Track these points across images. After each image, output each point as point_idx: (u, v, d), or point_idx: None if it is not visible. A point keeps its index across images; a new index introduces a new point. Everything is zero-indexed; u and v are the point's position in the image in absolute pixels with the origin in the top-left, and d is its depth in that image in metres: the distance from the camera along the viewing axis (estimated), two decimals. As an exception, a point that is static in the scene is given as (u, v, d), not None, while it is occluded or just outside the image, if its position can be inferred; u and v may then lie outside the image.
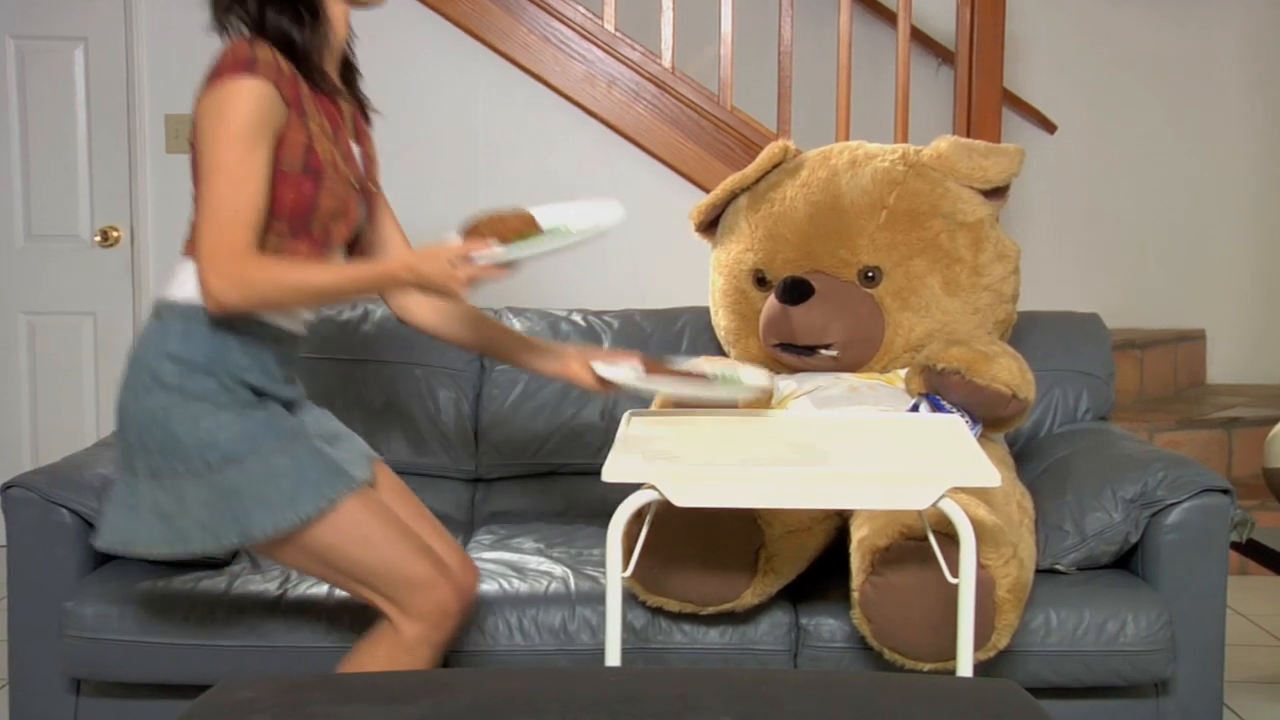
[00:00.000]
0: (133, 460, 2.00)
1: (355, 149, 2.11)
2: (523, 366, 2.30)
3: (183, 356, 1.98)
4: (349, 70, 2.16)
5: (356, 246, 2.19)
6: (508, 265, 1.89)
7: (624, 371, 2.07)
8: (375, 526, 2.04)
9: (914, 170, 2.74)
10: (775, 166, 2.84)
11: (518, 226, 1.93)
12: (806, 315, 2.68)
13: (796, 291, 2.68)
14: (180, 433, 1.95)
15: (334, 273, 1.95)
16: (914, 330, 2.71)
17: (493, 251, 1.88)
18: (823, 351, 2.69)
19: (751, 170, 2.85)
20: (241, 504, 1.96)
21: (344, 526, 2.01)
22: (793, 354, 2.72)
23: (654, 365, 2.15)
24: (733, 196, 2.88)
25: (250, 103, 1.90)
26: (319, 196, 1.99)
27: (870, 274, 2.72)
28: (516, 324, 3.03)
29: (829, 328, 2.68)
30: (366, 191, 2.13)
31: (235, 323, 1.99)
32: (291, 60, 1.97)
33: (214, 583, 2.41)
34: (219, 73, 1.92)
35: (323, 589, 2.37)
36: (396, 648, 2.06)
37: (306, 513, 1.98)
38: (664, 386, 2.12)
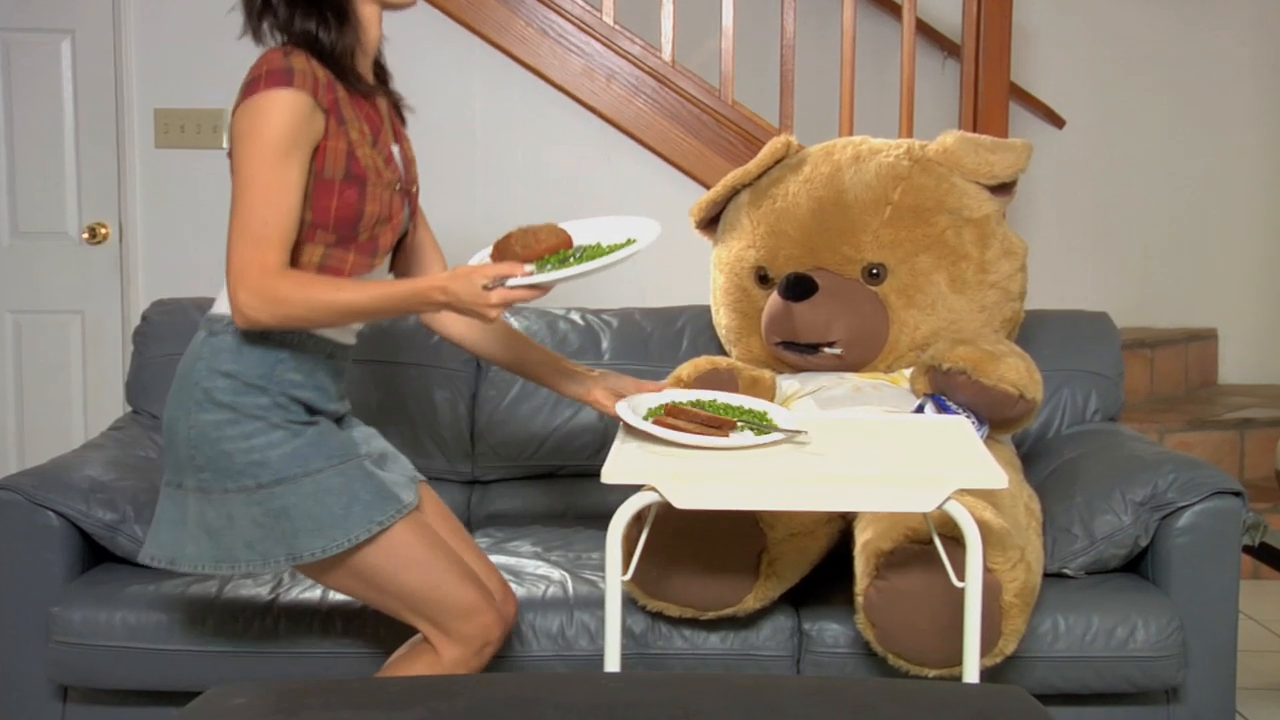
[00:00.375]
0: (181, 476, 2.02)
1: (395, 150, 2.12)
2: (550, 387, 2.34)
3: (235, 373, 2.00)
4: (381, 71, 2.17)
5: (398, 252, 2.20)
6: (540, 288, 1.90)
7: (645, 423, 2.01)
8: (422, 550, 2.06)
9: (919, 165, 2.75)
10: (778, 162, 2.85)
11: (551, 243, 1.93)
12: (810, 312, 2.68)
13: (800, 288, 2.68)
14: (231, 450, 1.97)
15: (366, 291, 1.95)
16: (919, 328, 2.71)
17: (525, 276, 1.89)
18: (826, 350, 2.70)
19: (753, 166, 2.85)
20: (291, 524, 1.98)
21: (392, 550, 2.04)
22: (795, 352, 2.73)
23: (677, 411, 2.03)
24: (734, 193, 2.89)
25: (284, 115, 1.91)
26: (363, 203, 2.00)
27: (874, 271, 2.72)
28: (515, 323, 3.03)
29: (832, 325, 2.69)
30: (409, 194, 2.15)
31: (288, 338, 2.01)
32: (325, 65, 1.98)
33: (205, 587, 2.42)
34: (254, 85, 1.94)
35: (316, 592, 2.38)
36: (435, 669, 2.08)
37: (356, 535, 2.00)
38: (683, 439, 1.97)
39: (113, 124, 3.77)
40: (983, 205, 2.74)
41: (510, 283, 1.88)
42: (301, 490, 1.98)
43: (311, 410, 2.05)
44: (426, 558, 2.06)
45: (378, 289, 1.95)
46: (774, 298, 2.75)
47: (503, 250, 1.94)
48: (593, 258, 1.91)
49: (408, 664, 2.11)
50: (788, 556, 2.33)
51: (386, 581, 2.05)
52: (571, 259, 1.92)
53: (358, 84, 2.03)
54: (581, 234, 2.00)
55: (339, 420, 2.15)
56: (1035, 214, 4.65)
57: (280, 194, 1.91)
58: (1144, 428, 3.98)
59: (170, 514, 2.04)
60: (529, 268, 1.90)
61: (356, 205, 2.00)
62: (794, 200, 2.78)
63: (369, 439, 2.19)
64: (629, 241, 1.94)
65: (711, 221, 2.96)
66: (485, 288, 1.87)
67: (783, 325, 2.72)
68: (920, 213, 2.72)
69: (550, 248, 1.92)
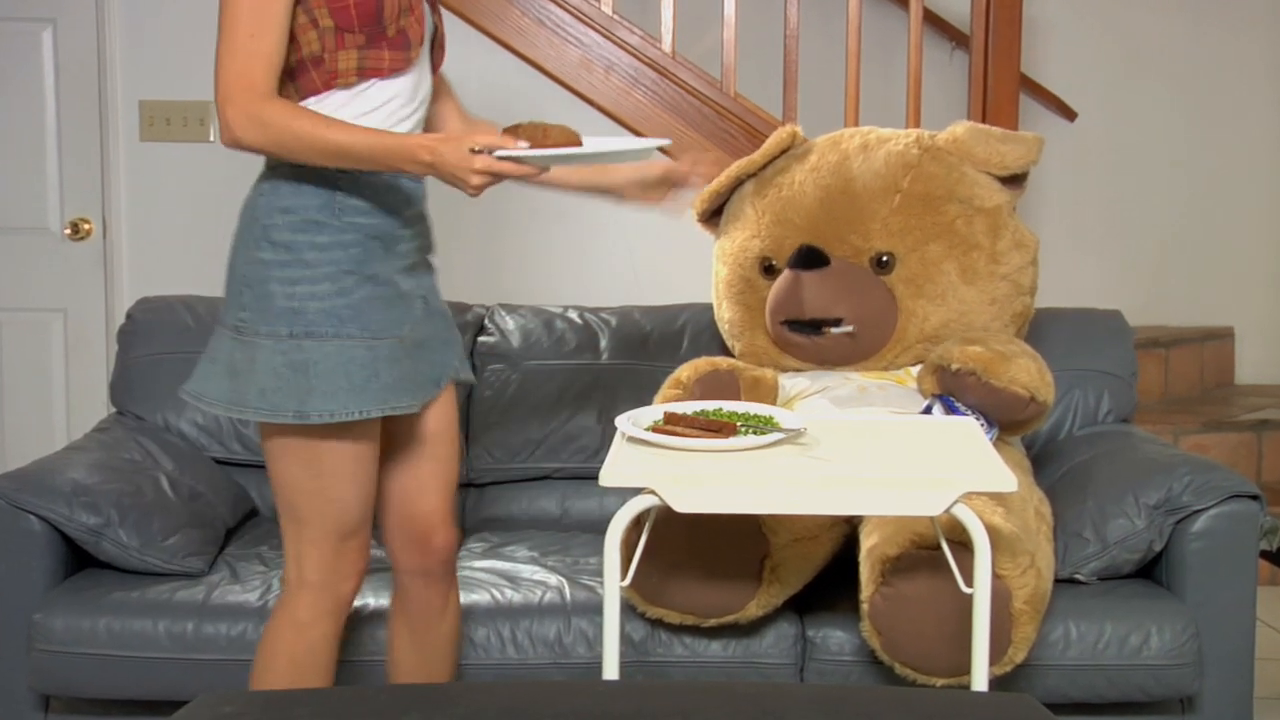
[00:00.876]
0: (227, 313, 2.01)
1: None
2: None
3: (294, 208, 1.97)
4: None
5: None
6: (531, 166, 1.87)
7: (644, 432, 1.96)
8: (365, 475, 2.04)
9: (929, 154, 2.76)
10: (783, 152, 2.86)
11: (558, 140, 1.90)
12: (819, 287, 2.69)
13: (811, 256, 2.69)
14: (275, 292, 1.96)
15: (353, 134, 1.91)
16: (929, 319, 2.72)
17: (517, 147, 1.86)
18: (833, 330, 2.70)
19: (758, 156, 2.86)
20: (308, 381, 1.95)
21: (354, 451, 2.01)
22: (801, 332, 2.73)
23: (676, 419, 2.00)
24: (738, 183, 2.89)
25: None
26: None
27: (884, 259, 2.73)
28: (510, 322, 3.04)
29: (840, 303, 2.69)
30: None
31: (344, 176, 1.97)
32: None
33: (191, 593, 2.42)
34: None
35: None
36: (292, 629, 2.05)
37: (368, 410, 1.97)
38: (683, 442, 1.94)
39: (96, 116, 3.77)
40: (994, 196, 2.75)
41: (499, 153, 1.85)
42: (326, 350, 1.95)
43: (374, 257, 2.00)
44: (366, 483, 2.04)
45: (366, 134, 1.92)
46: (782, 277, 2.75)
47: (509, 133, 1.91)
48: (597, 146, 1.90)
49: (272, 633, 2.07)
50: (791, 562, 2.33)
51: (322, 479, 2.01)
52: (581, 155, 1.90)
53: None
54: (592, 143, 1.97)
55: (411, 268, 2.07)
56: (1046, 208, 4.65)
57: (267, 8, 1.90)
58: (1158, 429, 3.98)
59: (211, 352, 2.03)
60: (523, 144, 1.87)
61: None
62: (800, 189, 2.79)
63: (416, 323, 2.07)
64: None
65: (714, 214, 2.96)
66: (472, 151, 1.85)
67: (789, 299, 2.72)
68: (930, 201, 2.73)
69: (555, 143, 1.90)
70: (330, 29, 1.94)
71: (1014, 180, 2.78)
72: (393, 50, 1.98)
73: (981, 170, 2.75)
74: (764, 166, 2.87)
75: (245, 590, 2.42)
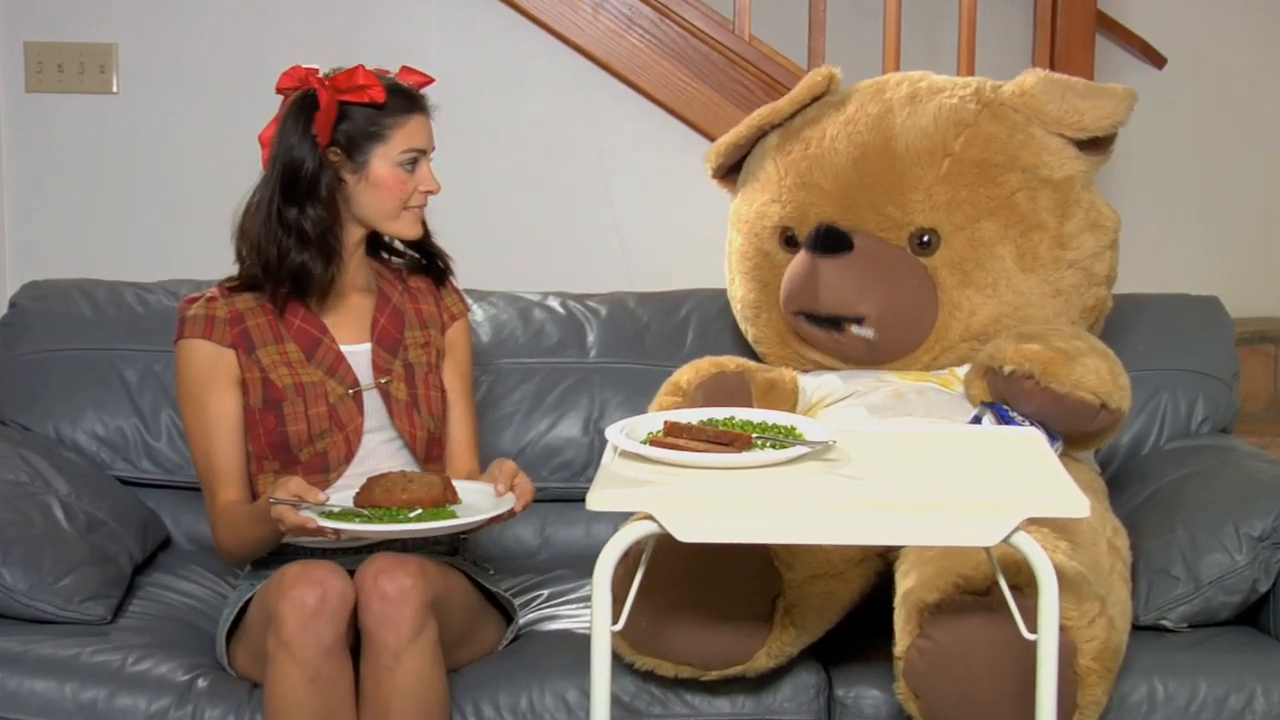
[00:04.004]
0: None
1: (360, 348, 2.54)
2: None
3: None
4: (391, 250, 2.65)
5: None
6: (332, 530, 2.23)
7: (640, 446, 1.99)
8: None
9: (989, 110, 2.76)
10: (816, 99, 2.86)
11: (412, 497, 2.28)
12: (838, 274, 2.69)
13: (831, 239, 2.69)
14: None
15: (246, 517, 2.43)
16: (976, 314, 2.72)
17: (311, 513, 2.23)
18: (853, 329, 2.70)
19: (785, 103, 2.86)
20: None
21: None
22: (816, 326, 2.73)
23: (679, 429, 2.03)
24: (761, 134, 2.89)
25: (185, 366, 2.51)
26: (284, 425, 2.47)
27: (924, 239, 2.73)
28: (478, 311, 3.03)
29: (863, 296, 2.69)
30: (385, 391, 2.53)
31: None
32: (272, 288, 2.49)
33: (105, 660, 2.41)
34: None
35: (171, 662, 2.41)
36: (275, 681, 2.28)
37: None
38: (686, 458, 1.96)
39: (-26, 63, 3.77)
40: (1066, 164, 2.75)
41: (304, 510, 2.24)
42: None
43: None
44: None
45: (254, 510, 2.40)
46: (798, 258, 2.75)
47: (368, 488, 2.31)
48: (421, 521, 2.25)
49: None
50: (809, 602, 2.33)
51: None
52: (403, 518, 2.25)
53: (289, 299, 2.51)
54: (474, 495, 2.35)
55: None
56: (1128, 175, 4.65)
57: (205, 435, 2.49)
58: (1264, 442, 3.97)
59: None
60: (332, 506, 2.27)
61: (277, 429, 2.46)
62: (832, 145, 2.79)
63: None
64: (451, 514, 2.28)
65: (732, 169, 2.96)
66: (271, 501, 2.25)
67: (804, 289, 2.72)
68: (986, 169, 2.73)
69: (405, 501, 2.27)
70: (253, 455, 2.50)
71: (1093, 145, 2.78)
72: (309, 474, 2.43)
73: (1053, 132, 2.75)
74: (792, 116, 2.87)
75: (113, 650, 2.41)
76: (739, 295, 2.93)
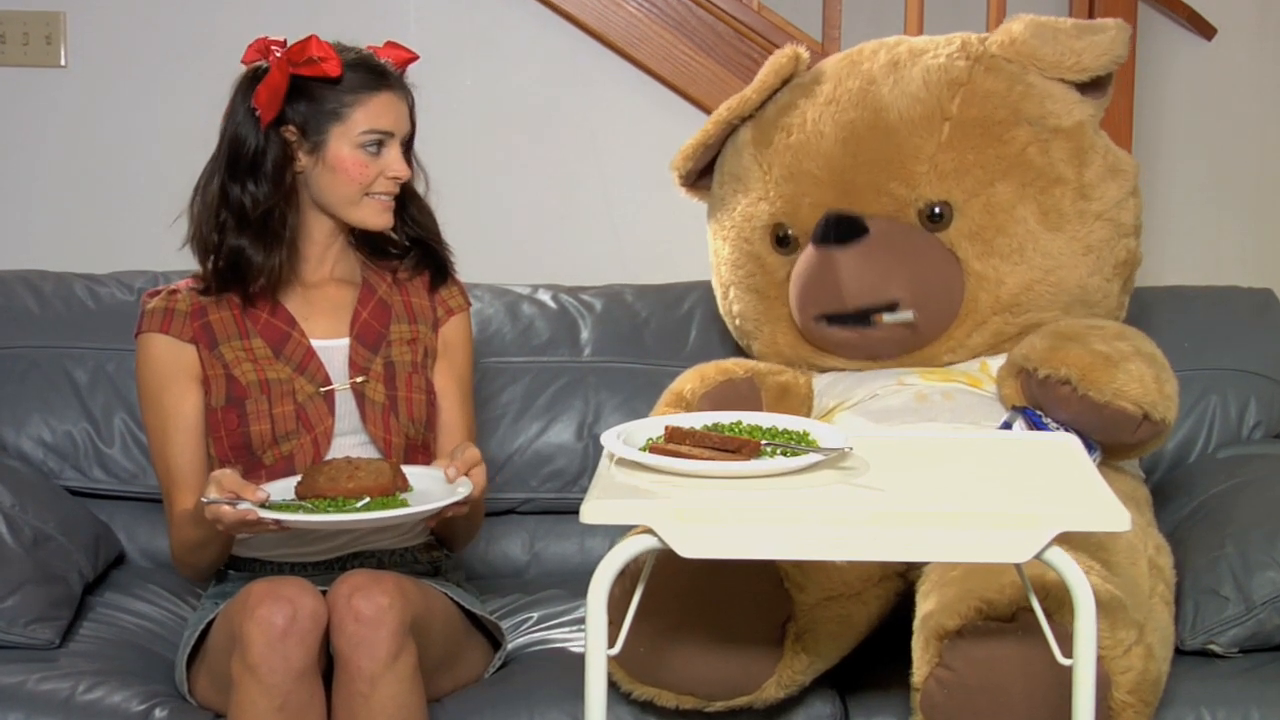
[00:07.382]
0: None
1: (337, 343, 2.54)
2: None
3: None
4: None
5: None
6: (273, 522, 2.23)
7: (639, 454, 1.99)
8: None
9: (981, 64, 2.76)
10: (785, 83, 2.85)
11: (360, 485, 2.27)
12: (858, 262, 2.69)
13: (844, 226, 2.69)
14: None
15: (188, 518, 2.43)
16: (1005, 282, 2.72)
17: (263, 496, 2.24)
18: (887, 316, 2.70)
19: (752, 91, 2.85)
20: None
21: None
22: (842, 326, 2.73)
23: (681, 435, 2.03)
24: (729, 130, 2.89)
25: (143, 363, 2.53)
26: (246, 425, 2.47)
27: (937, 211, 2.73)
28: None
29: (891, 279, 2.69)
30: (360, 390, 2.52)
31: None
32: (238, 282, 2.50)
33: (50, 685, 2.41)
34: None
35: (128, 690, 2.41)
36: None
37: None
38: (689, 466, 1.95)
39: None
40: (1073, 109, 2.75)
41: (241, 504, 2.23)
42: None
43: None
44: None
45: (193, 509, 2.39)
46: (806, 255, 2.75)
47: (310, 476, 2.30)
48: (370, 511, 2.24)
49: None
50: (823, 627, 2.34)
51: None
52: (351, 508, 2.24)
53: (263, 295, 2.51)
54: (426, 482, 2.34)
55: None
56: (1174, 157, 4.65)
57: (164, 436, 2.51)
58: (1323, 450, 3.98)
59: None
60: (271, 497, 2.26)
61: (239, 429, 2.47)
62: (816, 129, 2.79)
63: None
64: (402, 503, 2.28)
65: (703, 174, 2.96)
66: (204, 501, 2.25)
67: (822, 288, 2.72)
68: (991, 127, 2.73)
69: (351, 490, 2.26)
70: (215, 459, 2.49)
71: (1094, 85, 2.77)
72: (273, 478, 2.42)
73: (1052, 77, 2.75)
74: (762, 105, 2.87)
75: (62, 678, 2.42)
76: (735, 311, 2.92)
